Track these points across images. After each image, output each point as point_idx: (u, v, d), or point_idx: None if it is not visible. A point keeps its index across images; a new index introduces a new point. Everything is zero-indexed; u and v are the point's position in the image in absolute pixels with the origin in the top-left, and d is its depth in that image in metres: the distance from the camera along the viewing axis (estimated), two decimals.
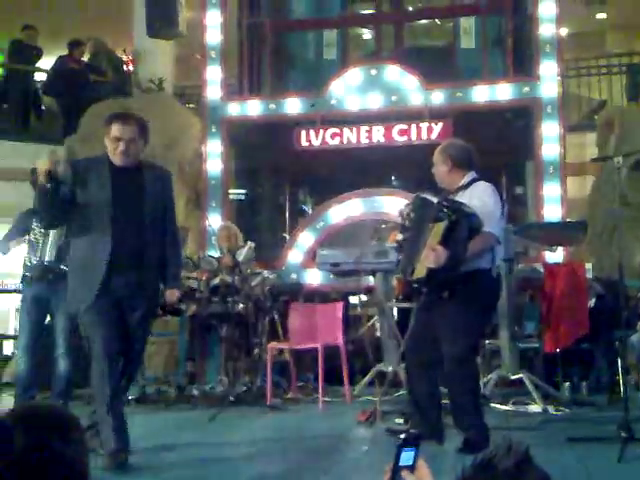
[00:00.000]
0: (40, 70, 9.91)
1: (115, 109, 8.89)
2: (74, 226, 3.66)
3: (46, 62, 9.88)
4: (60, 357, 4.83)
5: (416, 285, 3.78)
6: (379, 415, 4.53)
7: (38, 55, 9.72)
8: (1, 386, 6.35)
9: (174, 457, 3.72)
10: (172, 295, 3.87)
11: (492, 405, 4.89)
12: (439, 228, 3.58)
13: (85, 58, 9.68)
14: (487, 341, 5.55)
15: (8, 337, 6.44)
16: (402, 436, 1.31)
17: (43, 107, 10.11)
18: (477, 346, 4.57)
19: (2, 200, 5.03)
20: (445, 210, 3.59)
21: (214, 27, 7.93)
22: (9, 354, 6.99)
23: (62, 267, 4.70)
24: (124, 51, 10.34)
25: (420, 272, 3.66)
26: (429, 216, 3.66)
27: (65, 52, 9.40)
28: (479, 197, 3.73)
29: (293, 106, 7.61)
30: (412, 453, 1.25)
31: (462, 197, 3.77)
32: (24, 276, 4.92)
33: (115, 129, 3.53)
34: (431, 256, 3.54)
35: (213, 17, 7.98)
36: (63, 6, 11.29)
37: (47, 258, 4.78)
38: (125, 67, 10.06)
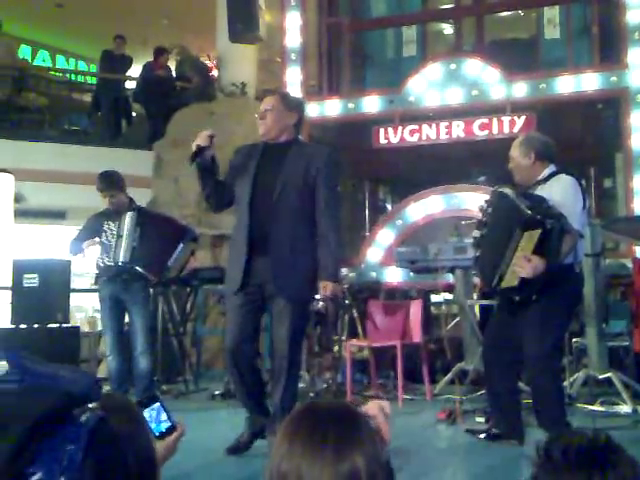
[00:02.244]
0: (130, 78, 10.33)
1: (200, 113, 9.21)
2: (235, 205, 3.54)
3: (135, 70, 10.31)
4: (140, 356, 4.94)
5: (504, 293, 3.67)
6: (459, 413, 4.48)
7: (128, 64, 10.14)
8: (98, 381, 6.64)
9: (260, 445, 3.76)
10: (324, 289, 3.38)
11: (578, 405, 4.74)
12: (532, 236, 3.41)
13: (171, 65, 10.04)
14: (574, 339, 5.37)
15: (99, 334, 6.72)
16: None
17: (133, 114, 10.55)
18: (561, 344, 4.43)
19: (95, 205, 5.22)
20: (538, 217, 3.41)
21: (293, 29, 8.03)
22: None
23: (137, 268, 4.86)
24: (208, 57, 10.64)
25: (510, 281, 3.54)
26: (517, 220, 3.48)
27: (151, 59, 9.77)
28: (560, 191, 3.62)
29: (371, 104, 7.61)
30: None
31: (541, 191, 3.66)
32: (98, 277, 5.01)
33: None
34: (527, 267, 3.38)
35: (292, 19, 8.09)
36: (150, 16, 11.74)
37: (121, 259, 4.84)
38: (209, 72, 10.35)
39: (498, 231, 3.65)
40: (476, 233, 3.79)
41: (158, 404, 1.37)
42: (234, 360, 3.47)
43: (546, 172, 3.77)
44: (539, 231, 3.39)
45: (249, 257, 3.36)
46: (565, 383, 4.77)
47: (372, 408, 1.23)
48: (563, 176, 3.72)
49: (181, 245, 4.96)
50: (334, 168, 3.51)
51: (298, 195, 3.37)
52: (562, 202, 3.54)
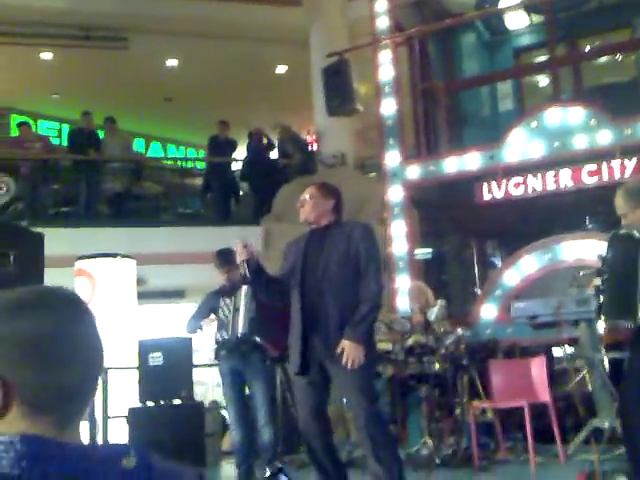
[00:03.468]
0: (236, 160, 10.85)
1: (302, 187, 9.48)
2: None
3: (240, 152, 10.83)
4: (263, 428, 4.95)
5: None
6: (599, 475, 4.21)
7: (233, 146, 10.67)
8: (222, 455, 6.72)
9: None
10: (342, 348, 3.40)
11: None
12: None
13: (275, 144, 10.49)
14: None
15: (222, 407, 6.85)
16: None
17: (241, 192, 11.01)
18: None
19: (211, 282, 5.41)
20: None
21: (388, 98, 8.20)
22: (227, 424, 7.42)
23: (255, 338, 4.95)
24: (307, 132, 11.02)
25: None
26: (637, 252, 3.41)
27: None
28: None
29: (472, 161, 7.59)
30: None
31: None
32: (217, 352, 5.09)
33: None
34: None
35: (387, 88, 8.27)
36: (251, 100, 12.36)
37: (240, 330, 4.91)
38: (309, 147, 10.70)
39: (620, 270, 3.48)
40: (597, 281, 3.64)
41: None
42: (308, 441, 3.54)
43: None
44: None
45: (305, 337, 3.52)
46: None
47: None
48: None
49: None
50: (372, 239, 3.67)
51: (343, 271, 3.54)
52: None
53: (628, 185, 3.69)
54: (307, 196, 3.73)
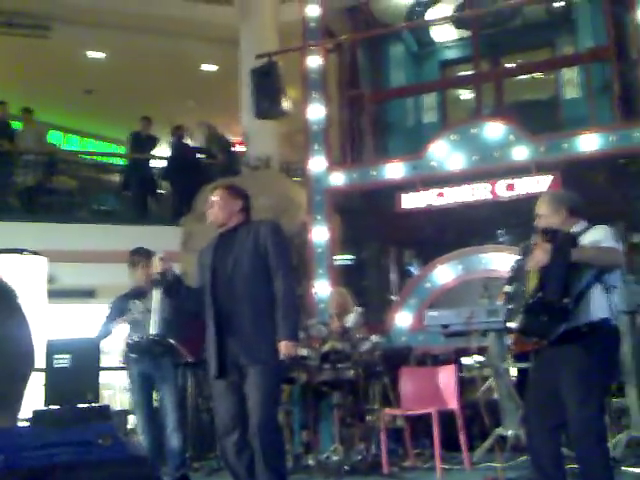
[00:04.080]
0: (157, 157, 10.62)
1: None
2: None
3: (162, 149, 10.61)
4: (171, 434, 4.85)
5: (535, 302, 3.54)
6: None
7: (154, 143, 10.44)
8: None
9: None
10: (282, 348, 3.45)
11: (623, 468, 4.51)
12: (539, 239, 3.46)
13: (198, 143, 10.32)
14: (614, 399, 5.17)
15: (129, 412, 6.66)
16: None
17: (161, 191, 10.79)
18: (604, 405, 4.26)
19: (123, 282, 5.27)
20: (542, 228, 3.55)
21: (316, 104, 8.20)
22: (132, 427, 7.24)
23: (169, 340, 4.83)
24: (233, 133, 10.92)
25: (533, 284, 3.47)
26: (530, 250, 3.54)
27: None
28: (600, 233, 3.55)
29: (394, 171, 7.68)
30: None
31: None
32: (127, 356, 4.99)
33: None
34: (538, 255, 3.39)
35: (314, 94, 8.26)
36: (176, 97, 12.15)
37: (153, 331, 4.78)
38: (234, 147, 10.60)
39: (522, 276, 3.58)
40: (507, 288, 3.71)
41: None
42: (223, 445, 3.51)
43: (579, 227, 3.69)
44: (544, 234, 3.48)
45: (220, 340, 3.50)
46: (609, 445, 4.55)
47: None
48: (599, 225, 3.65)
49: None
50: (280, 235, 3.70)
51: (252, 270, 3.54)
52: (601, 239, 3.47)
53: (549, 194, 3.88)
54: (215, 198, 3.70)
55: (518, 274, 3.68)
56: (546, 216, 3.70)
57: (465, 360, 6.35)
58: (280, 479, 3.42)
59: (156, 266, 3.59)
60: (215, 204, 3.69)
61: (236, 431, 3.46)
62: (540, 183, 6.97)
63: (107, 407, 6.42)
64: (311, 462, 5.52)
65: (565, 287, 3.42)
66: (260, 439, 3.35)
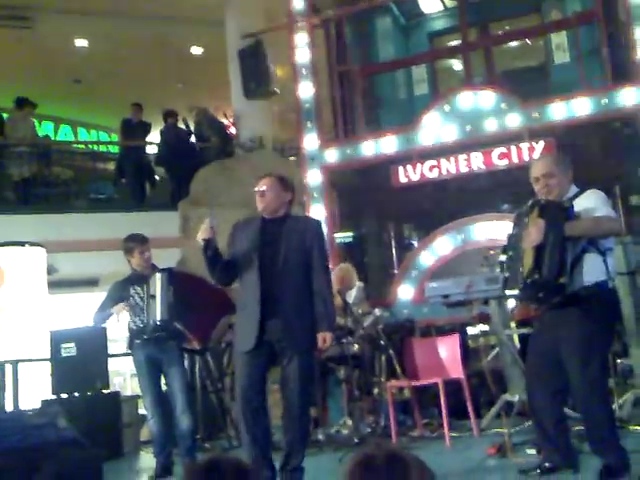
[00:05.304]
0: (150, 143, 10.58)
1: (220, 171, 9.37)
2: (239, 276, 3.97)
3: (155, 135, 10.56)
4: (181, 416, 4.87)
5: (532, 282, 3.58)
6: (509, 447, 4.36)
7: (147, 129, 10.39)
8: (141, 445, 6.60)
9: None
10: (323, 339, 3.81)
11: (631, 427, 4.58)
12: (533, 214, 3.48)
13: (191, 126, 10.27)
14: (619, 360, 5.24)
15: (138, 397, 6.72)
16: None
17: (157, 177, 10.76)
18: (607, 366, 4.32)
19: (125, 269, 5.26)
20: (536, 200, 3.57)
21: (305, 81, 8.17)
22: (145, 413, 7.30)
23: (175, 325, 4.84)
24: (225, 115, 10.86)
25: (528, 263, 3.51)
26: (525, 215, 3.58)
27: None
28: (592, 199, 3.58)
29: (388, 145, 7.67)
30: None
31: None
32: (132, 342, 4.97)
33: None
34: (532, 234, 3.45)
35: (304, 71, 8.23)
36: (165, 81, 12.07)
37: (159, 317, 4.79)
38: (226, 130, 10.55)
39: (517, 242, 3.62)
40: (502, 257, 3.75)
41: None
42: (245, 408, 3.78)
43: (572, 191, 3.72)
44: (537, 208, 3.51)
45: (261, 319, 3.77)
46: (614, 406, 4.63)
47: None
48: (591, 189, 3.67)
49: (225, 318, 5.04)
50: (323, 236, 4.13)
51: (298, 261, 3.85)
52: (595, 207, 3.49)
53: (555, 155, 3.90)
54: (265, 187, 3.91)
55: (513, 242, 3.72)
56: (557, 175, 3.68)
57: (470, 330, 6.40)
58: (306, 436, 4.01)
59: (204, 230, 3.74)
60: (267, 193, 3.90)
61: (255, 399, 3.78)
62: (533, 150, 6.98)
63: (117, 394, 6.51)
64: (321, 437, 5.59)
65: (561, 265, 3.46)
66: (300, 419, 3.79)
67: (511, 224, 3.89)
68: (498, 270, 4.66)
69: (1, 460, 0.72)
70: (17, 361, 6.62)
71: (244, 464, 1.36)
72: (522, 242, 3.57)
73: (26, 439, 0.77)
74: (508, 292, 3.73)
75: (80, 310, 8.10)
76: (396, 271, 7.69)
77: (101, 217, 9.10)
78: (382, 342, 5.73)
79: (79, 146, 13.53)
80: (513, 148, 7.08)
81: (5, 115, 9.98)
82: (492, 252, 5.71)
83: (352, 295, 5.96)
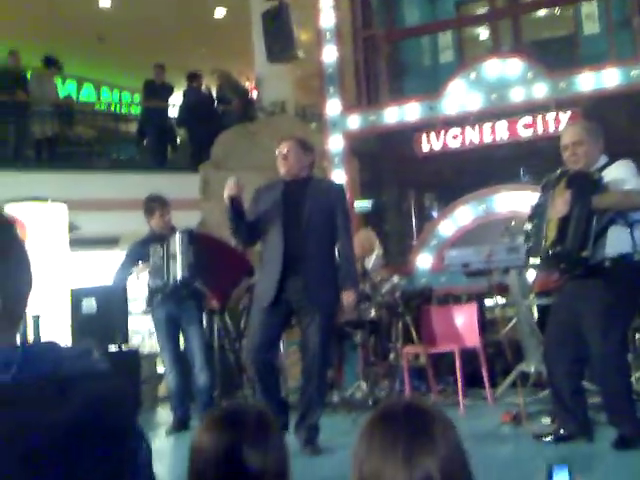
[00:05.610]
0: (173, 105, 10.56)
1: (242, 134, 9.34)
2: (262, 237, 4.04)
3: (177, 97, 10.53)
4: (199, 372, 4.98)
5: (554, 254, 3.56)
6: (524, 415, 4.39)
7: (169, 91, 10.36)
8: (159, 400, 6.72)
9: (326, 460, 3.77)
10: (347, 296, 3.92)
11: None
12: (561, 185, 3.45)
13: (213, 90, 10.23)
14: (638, 335, 5.22)
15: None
16: None
17: (178, 139, 10.76)
18: (627, 339, 4.31)
19: (141, 229, 5.30)
20: (563, 170, 3.56)
21: (329, 45, 8.07)
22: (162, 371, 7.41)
23: (196, 284, 4.89)
24: (247, 78, 10.80)
25: (552, 235, 3.50)
26: (552, 186, 3.56)
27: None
28: (622, 170, 3.54)
29: (411, 112, 7.59)
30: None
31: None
32: (151, 300, 5.05)
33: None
34: (558, 206, 3.44)
35: (328, 35, 8.12)
36: (189, 44, 11.99)
37: (179, 276, 4.84)
38: (248, 94, 10.50)
39: (542, 212, 3.60)
40: (527, 226, 3.73)
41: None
42: (257, 360, 3.87)
43: (601, 161, 3.67)
44: (565, 178, 3.50)
45: (282, 277, 3.83)
46: (632, 380, 4.62)
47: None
48: (622, 160, 3.62)
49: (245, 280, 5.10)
50: (346, 199, 4.25)
51: (322, 222, 3.91)
52: (625, 178, 3.45)
53: (585, 123, 3.86)
54: (286, 150, 3.95)
55: (539, 212, 3.69)
56: (588, 143, 3.61)
57: (488, 302, 6.39)
58: (325, 391, 4.22)
59: (230, 188, 3.76)
60: (289, 156, 3.95)
61: (268, 352, 3.91)
62: (559, 121, 6.88)
63: (136, 351, 6.60)
64: (335, 399, 5.65)
65: (585, 239, 3.44)
66: (318, 379, 3.88)
67: (535, 194, 3.86)
68: (520, 240, 4.65)
69: (32, 388, 0.74)
70: (38, 317, 6.71)
71: (265, 411, 1.37)
72: (547, 212, 3.55)
73: (59, 368, 0.79)
74: (531, 260, 3.71)
75: (100, 268, 8.21)
76: (415, 242, 7.67)
77: (122, 177, 9.14)
78: (399, 309, 5.75)
79: (101, 107, 13.55)
80: (539, 118, 6.98)
81: (29, 73, 9.97)
82: (513, 222, 5.67)
83: (371, 261, 5.96)
